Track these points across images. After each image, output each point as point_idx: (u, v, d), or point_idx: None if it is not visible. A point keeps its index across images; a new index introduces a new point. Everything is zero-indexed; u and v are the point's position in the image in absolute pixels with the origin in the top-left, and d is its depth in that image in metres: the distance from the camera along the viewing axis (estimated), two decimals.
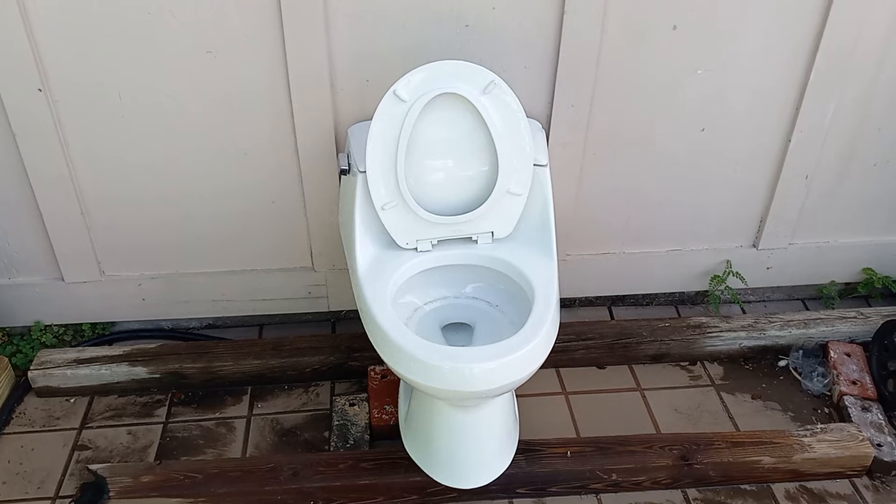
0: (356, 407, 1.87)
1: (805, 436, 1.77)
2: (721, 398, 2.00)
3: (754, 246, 2.17)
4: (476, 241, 1.71)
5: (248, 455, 1.81)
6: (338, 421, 1.83)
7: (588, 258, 2.12)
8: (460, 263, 1.71)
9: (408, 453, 1.69)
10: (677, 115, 1.89)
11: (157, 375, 1.94)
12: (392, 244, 1.69)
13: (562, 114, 1.84)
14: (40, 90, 1.69)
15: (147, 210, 1.91)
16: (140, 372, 1.93)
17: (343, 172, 1.72)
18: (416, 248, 1.69)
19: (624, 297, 2.26)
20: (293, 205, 1.93)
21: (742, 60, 1.83)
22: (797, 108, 1.91)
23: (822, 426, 1.80)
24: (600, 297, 2.24)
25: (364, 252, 1.67)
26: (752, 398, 2.00)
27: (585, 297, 2.24)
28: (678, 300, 2.29)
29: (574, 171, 1.95)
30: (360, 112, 1.80)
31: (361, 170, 1.63)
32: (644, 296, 2.26)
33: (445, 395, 1.45)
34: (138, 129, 1.78)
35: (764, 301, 2.32)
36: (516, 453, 1.69)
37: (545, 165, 1.70)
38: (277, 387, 2.00)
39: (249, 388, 1.99)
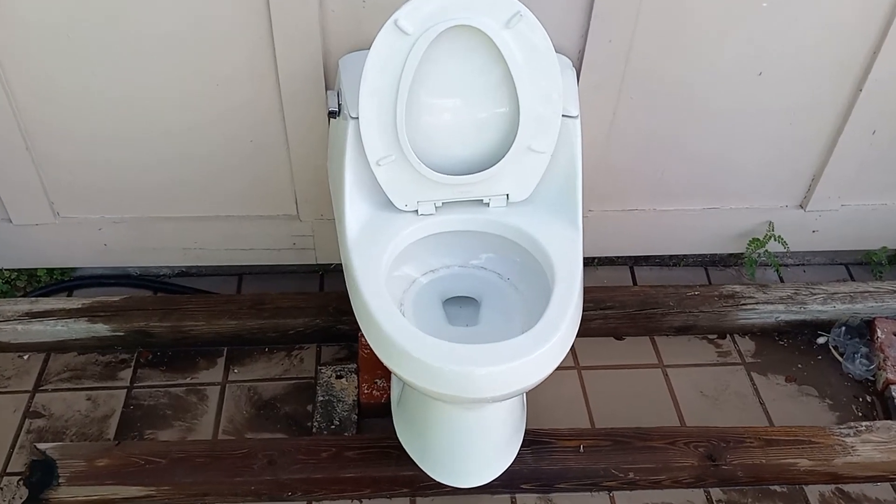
0: (343, 380, 1.66)
1: (848, 435, 1.57)
2: (751, 379, 1.79)
3: (801, 207, 1.90)
4: (488, 205, 1.45)
5: (220, 429, 1.62)
6: (322, 396, 1.63)
7: (613, 214, 1.86)
8: (468, 230, 1.46)
9: (399, 441, 1.50)
10: (733, 56, 1.59)
11: (121, 333, 1.72)
12: (389, 203, 1.43)
13: (597, 50, 1.53)
14: None
15: (106, 146, 1.63)
16: (101, 329, 1.71)
17: (332, 114, 1.43)
18: (416, 211, 1.44)
19: (648, 256, 2.01)
20: (274, 146, 1.65)
21: None
22: (875, 51, 1.60)
23: (867, 424, 1.60)
24: (622, 256, 2.00)
25: (355, 214, 1.41)
26: (786, 381, 1.79)
27: (606, 256, 1.99)
28: (708, 261, 2.04)
29: (605, 116, 1.66)
30: (354, 39, 1.50)
31: (353, 115, 1.35)
32: (671, 256, 2.02)
33: (445, 399, 1.24)
34: (90, 54, 1.48)
35: (803, 265, 2.08)
36: (522, 445, 1.50)
37: (576, 117, 1.41)
38: (256, 349, 1.78)
39: (225, 349, 1.78)
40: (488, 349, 1.19)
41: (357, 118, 1.33)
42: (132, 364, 1.74)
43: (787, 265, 2.06)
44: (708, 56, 1.58)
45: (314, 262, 1.88)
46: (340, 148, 1.41)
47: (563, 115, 1.38)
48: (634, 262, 2.03)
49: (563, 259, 1.36)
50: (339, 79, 1.47)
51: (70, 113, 1.57)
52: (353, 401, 1.62)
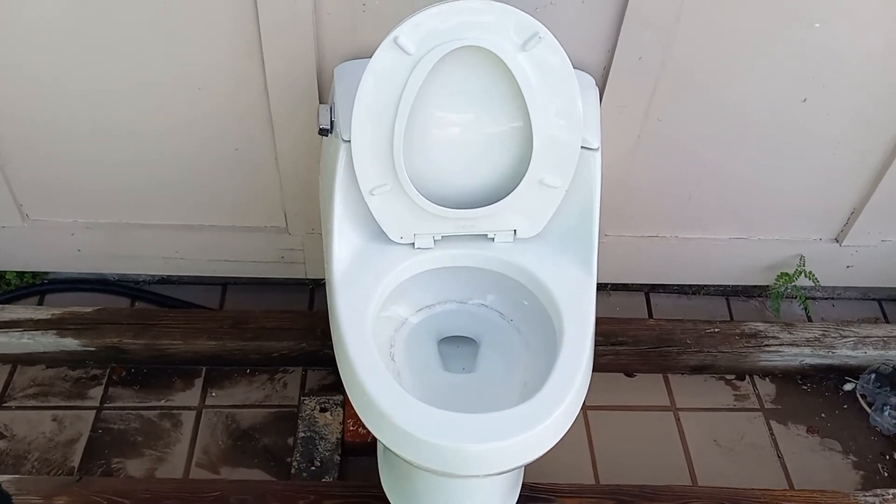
0: (328, 414, 1.53)
1: None
2: (770, 428, 1.65)
3: (836, 241, 1.74)
4: (493, 239, 1.31)
5: (193, 461, 1.50)
6: (304, 432, 1.50)
7: (631, 240, 1.71)
8: (470, 266, 1.32)
9: (384, 492, 1.37)
10: (776, 79, 1.42)
11: (92, 349, 1.60)
12: (382, 232, 1.29)
13: (624, 68, 1.37)
14: None
15: (78, 148, 1.48)
16: (70, 344, 1.58)
17: (323, 132, 1.28)
18: (412, 244, 1.29)
19: (665, 283, 1.86)
20: (261, 156, 1.50)
21: (879, 10, 1.33)
22: None
23: (894, 492, 1.46)
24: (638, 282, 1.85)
25: (344, 246, 1.26)
26: (808, 432, 1.65)
27: (620, 283, 1.85)
28: (730, 291, 1.89)
29: (629, 138, 1.50)
30: (351, 46, 1.34)
31: (346, 139, 1.20)
32: (690, 284, 1.87)
33: (434, 473, 1.10)
34: (61, 43, 1.32)
35: (832, 299, 1.93)
36: (518, 502, 1.37)
37: (596, 149, 1.25)
38: (237, 370, 1.65)
39: (203, 369, 1.65)
40: (483, 422, 1.05)
41: (349, 141, 1.18)
42: (104, 381, 1.62)
43: (814, 298, 1.91)
44: (749, 78, 1.41)
45: (304, 277, 1.75)
46: (331, 171, 1.26)
47: (581, 147, 1.22)
48: (650, 288, 1.88)
49: (574, 309, 1.21)
50: (333, 90, 1.31)
51: (38, 109, 1.42)
52: (337, 439, 1.49)
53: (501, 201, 1.23)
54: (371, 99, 1.12)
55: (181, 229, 1.63)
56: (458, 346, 1.38)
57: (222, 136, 1.47)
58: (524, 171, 1.22)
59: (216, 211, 1.61)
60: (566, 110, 1.16)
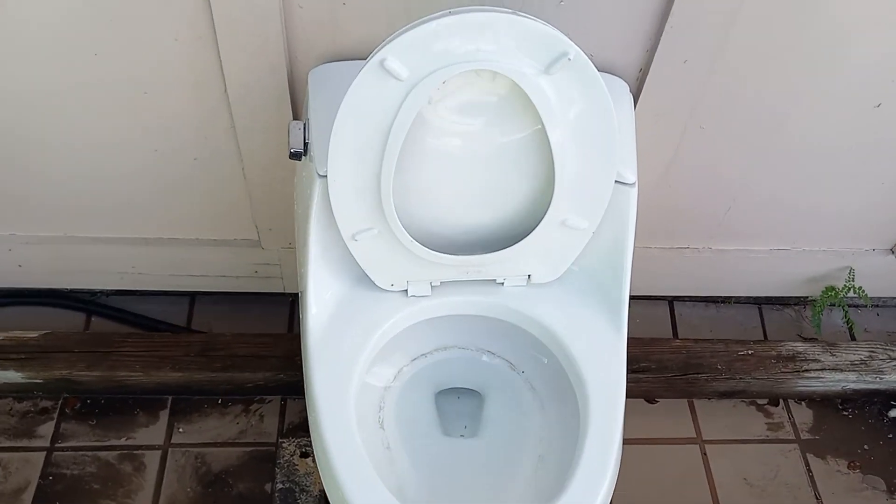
0: (309, 460, 1.35)
1: None
2: (807, 463, 1.48)
3: (892, 251, 1.53)
4: (502, 283, 1.09)
5: None
6: (282, 483, 1.32)
7: (657, 252, 1.49)
8: (473, 314, 1.10)
9: None
10: (846, 83, 1.16)
11: (39, 381, 1.40)
12: (368, 277, 1.06)
13: (665, 71, 1.11)
14: None
15: (10, 154, 1.24)
16: (13, 377, 1.38)
17: (295, 156, 1.03)
18: (405, 291, 1.07)
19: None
20: (225, 167, 1.26)
21: None
22: None
23: None
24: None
25: (321, 300, 1.04)
26: (849, 467, 1.48)
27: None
28: (763, 300, 1.69)
29: (666, 148, 1.25)
30: (330, 45, 1.07)
31: (321, 173, 0.96)
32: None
33: None
34: None
35: (878, 307, 1.72)
36: None
37: (632, 184, 1.02)
38: (208, 400, 1.46)
39: (169, 399, 1.46)
40: None
41: (325, 177, 0.94)
42: (56, 414, 1.43)
43: (857, 306, 1.70)
44: (815, 82, 1.16)
45: (281, 291, 1.53)
46: (305, 204, 1.03)
47: (616, 181, 0.99)
48: (675, 297, 1.67)
49: (600, 379, 1.01)
50: (307, 102, 1.06)
51: None
52: (321, 491, 1.31)
53: (514, 246, 1.01)
54: (351, 134, 0.88)
55: (137, 243, 1.40)
56: (458, 398, 1.19)
57: (176, 145, 1.22)
58: (542, 208, 0.99)
59: (177, 224, 1.38)
60: (597, 142, 0.92)
